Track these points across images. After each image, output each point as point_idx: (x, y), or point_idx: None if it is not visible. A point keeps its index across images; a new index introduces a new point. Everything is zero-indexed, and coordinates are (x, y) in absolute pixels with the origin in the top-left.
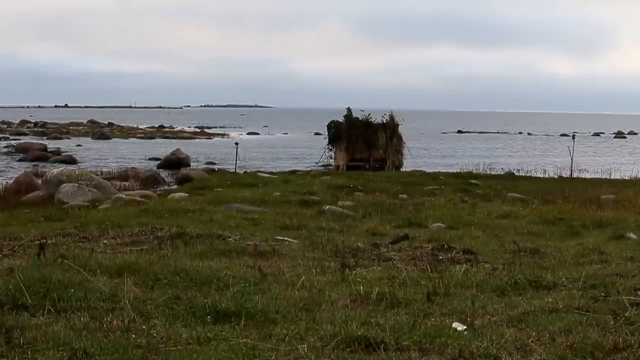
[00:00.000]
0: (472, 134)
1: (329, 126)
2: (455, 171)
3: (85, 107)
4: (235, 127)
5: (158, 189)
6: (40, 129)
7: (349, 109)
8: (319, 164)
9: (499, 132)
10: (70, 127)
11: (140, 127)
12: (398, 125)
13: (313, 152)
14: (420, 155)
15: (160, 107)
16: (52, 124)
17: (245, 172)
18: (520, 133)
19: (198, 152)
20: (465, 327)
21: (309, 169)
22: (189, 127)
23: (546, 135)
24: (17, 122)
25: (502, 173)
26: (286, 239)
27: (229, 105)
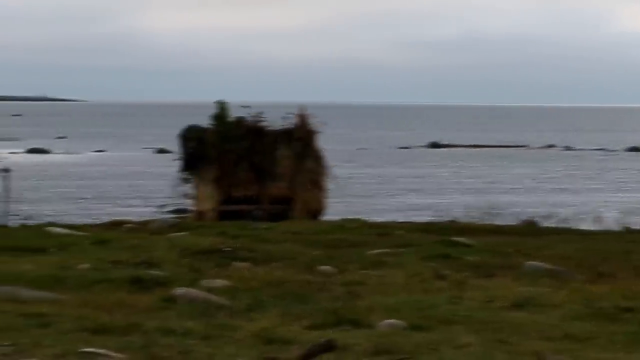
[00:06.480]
0: (457, 148)
1: (184, 137)
2: (425, 220)
3: None
4: (2, 139)
5: None
6: None
7: (221, 104)
8: (166, 209)
9: (511, 146)
10: None
11: None
12: (315, 133)
13: (154, 185)
14: (358, 191)
15: None
16: None
17: (24, 225)
18: (550, 147)
19: None
20: None
21: (145, 217)
22: None
23: (602, 149)
24: None
25: (514, 223)
26: (102, 352)
27: None
